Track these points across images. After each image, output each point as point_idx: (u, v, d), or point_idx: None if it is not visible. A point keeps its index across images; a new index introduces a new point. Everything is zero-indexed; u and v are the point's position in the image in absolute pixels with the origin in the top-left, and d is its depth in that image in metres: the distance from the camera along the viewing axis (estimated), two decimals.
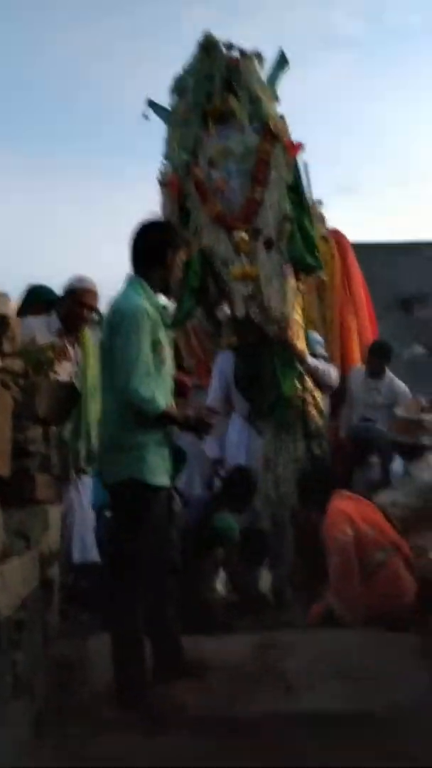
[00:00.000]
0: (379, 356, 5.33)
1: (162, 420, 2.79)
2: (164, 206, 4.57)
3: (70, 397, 2.94)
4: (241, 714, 2.66)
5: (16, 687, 2.20)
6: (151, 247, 2.92)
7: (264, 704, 2.73)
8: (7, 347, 2.18)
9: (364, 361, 5.42)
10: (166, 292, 3.09)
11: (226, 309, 4.27)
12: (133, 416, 2.74)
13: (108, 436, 2.86)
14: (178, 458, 2.97)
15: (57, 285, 3.93)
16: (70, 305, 3.69)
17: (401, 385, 5.37)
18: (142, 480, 2.74)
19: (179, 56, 5.20)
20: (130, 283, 2.90)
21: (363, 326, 5.59)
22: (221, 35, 4.57)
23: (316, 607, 3.74)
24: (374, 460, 4.65)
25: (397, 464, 4.56)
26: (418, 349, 12.76)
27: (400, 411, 4.38)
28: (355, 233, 5.64)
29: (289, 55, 4.66)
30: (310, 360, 4.50)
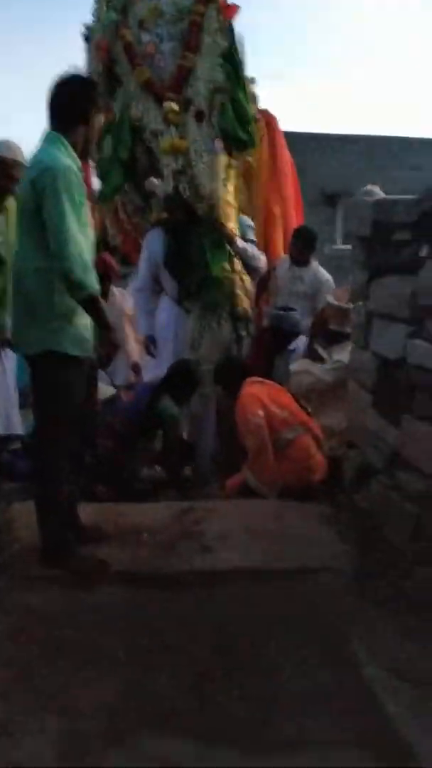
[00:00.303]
0: (302, 242, 5.27)
1: (88, 302, 2.67)
2: (88, 64, 4.29)
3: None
4: (161, 570, 2.85)
5: None
6: (72, 102, 2.72)
7: (182, 562, 2.91)
8: None
9: (288, 249, 5.38)
10: (86, 154, 2.89)
11: (155, 182, 4.12)
12: (57, 283, 2.62)
13: (25, 304, 2.71)
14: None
15: None
16: None
17: (325, 275, 5.36)
18: (62, 351, 2.68)
19: None
20: (50, 139, 2.70)
21: (288, 214, 5.50)
22: None
23: (233, 481, 3.95)
24: (294, 346, 4.79)
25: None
26: (342, 245, 12.89)
27: (331, 299, 4.46)
28: (282, 122, 5.44)
29: None
30: (240, 242, 4.46)
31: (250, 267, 4.59)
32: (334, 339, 4.28)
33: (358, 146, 15.17)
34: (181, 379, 4.13)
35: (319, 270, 5.37)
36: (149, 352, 4.59)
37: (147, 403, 3.97)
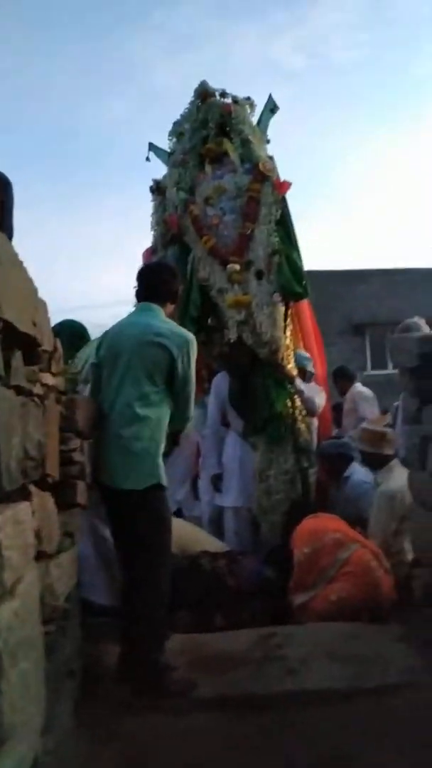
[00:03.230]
0: (340, 377, 6.62)
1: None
2: (154, 211, 5.00)
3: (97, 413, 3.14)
4: (251, 693, 2.96)
5: (64, 669, 2.45)
6: (167, 285, 3.32)
7: (270, 685, 3.02)
8: (54, 367, 2.43)
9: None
10: None
11: (226, 334, 4.59)
12: (161, 429, 3.11)
13: (133, 446, 3.01)
14: None
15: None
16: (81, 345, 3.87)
17: (360, 390, 6.37)
18: (164, 484, 3.09)
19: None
20: (155, 310, 3.22)
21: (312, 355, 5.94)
22: (214, 84, 5.00)
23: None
24: (349, 473, 5.02)
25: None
26: (372, 371, 13.51)
27: (367, 424, 4.83)
28: (310, 261, 6.02)
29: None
30: (298, 382, 4.85)
31: (306, 407, 4.92)
32: (376, 462, 4.56)
33: (381, 279, 16.05)
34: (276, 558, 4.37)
35: (357, 389, 6.43)
36: (217, 489, 4.91)
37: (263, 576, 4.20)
